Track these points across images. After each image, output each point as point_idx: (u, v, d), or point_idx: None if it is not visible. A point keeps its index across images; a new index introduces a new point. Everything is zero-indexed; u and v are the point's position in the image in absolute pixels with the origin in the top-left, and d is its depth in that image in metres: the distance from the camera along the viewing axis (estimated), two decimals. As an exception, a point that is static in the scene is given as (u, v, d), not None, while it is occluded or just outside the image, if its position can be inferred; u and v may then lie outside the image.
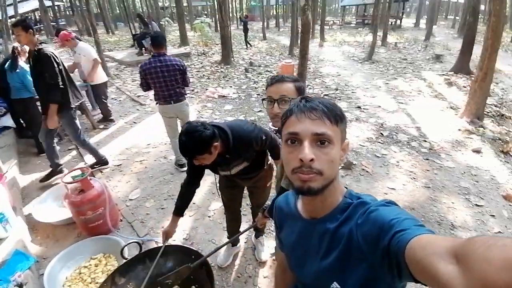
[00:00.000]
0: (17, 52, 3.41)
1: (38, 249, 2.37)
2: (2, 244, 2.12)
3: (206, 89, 6.62)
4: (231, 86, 6.92)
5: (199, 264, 1.59)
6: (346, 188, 0.77)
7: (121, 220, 2.69)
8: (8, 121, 3.93)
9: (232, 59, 9.58)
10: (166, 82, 2.99)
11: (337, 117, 0.68)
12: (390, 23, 18.52)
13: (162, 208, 2.82)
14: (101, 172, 3.47)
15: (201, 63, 9.43)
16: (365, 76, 8.34)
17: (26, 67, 3.34)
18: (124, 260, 1.79)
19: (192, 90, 6.61)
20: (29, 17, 19.86)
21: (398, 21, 22.28)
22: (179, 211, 1.76)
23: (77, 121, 3.11)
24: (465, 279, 0.38)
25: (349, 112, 5.34)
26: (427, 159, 3.78)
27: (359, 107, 5.64)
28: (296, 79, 1.31)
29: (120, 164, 3.62)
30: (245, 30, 13.18)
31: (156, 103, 3.20)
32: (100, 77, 4.54)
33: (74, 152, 3.93)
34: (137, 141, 4.20)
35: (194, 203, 2.84)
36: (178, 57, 3.33)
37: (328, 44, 14.86)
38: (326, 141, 0.65)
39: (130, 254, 1.97)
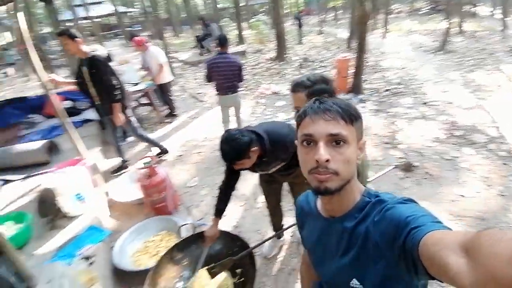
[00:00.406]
0: None
1: (113, 224, 2.81)
2: (78, 220, 2.55)
3: (260, 86, 6.80)
4: (283, 83, 6.96)
5: (244, 255, 1.72)
6: (365, 186, 0.78)
7: (180, 204, 3.01)
8: (91, 114, 4.65)
9: (286, 55, 9.58)
10: (226, 76, 3.56)
11: (352, 117, 0.69)
12: (465, 9, 16.14)
13: (214, 197, 3.06)
14: (165, 160, 3.90)
15: (255, 61, 9.67)
16: (436, 68, 7.49)
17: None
18: (181, 239, 2.04)
19: (246, 87, 6.85)
20: (106, 21, 22.23)
21: (473, 8, 19.25)
22: (219, 214, 1.86)
23: (133, 118, 3.53)
24: (473, 272, 0.39)
25: (414, 109, 4.91)
26: (505, 163, 3.28)
27: (425, 103, 5.14)
28: (313, 83, 1.26)
29: (181, 155, 4.01)
30: (300, 26, 13.01)
31: (216, 94, 3.77)
32: (165, 77, 5.06)
33: (142, 146, 4.49)
34: (195, 135, 4.58)
35: (243, 194, 3.00)
36: (235, 55, 3.75)
37: (393, 34, 13.69)
38: (341, 141, 0.66)
39: (185, 234, 2.21)
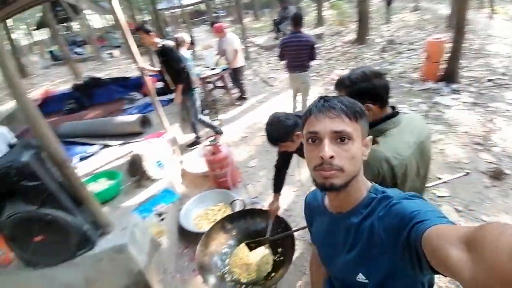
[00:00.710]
0: (178, 43, 4.46)
1: (183, 190, 3.27)
2: (157, 183, 3.04)
3: (332, 72, 6.50)
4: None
5: (280, 237, 1.84)
6: (372, 183, 0.77)
7: (239, 182, 3.27)
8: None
9: (368, 37, 8.77)
10: (296, 54, 3.66)
11: (356, 114, 0.69)
12: None
13: (270, 179, 3.22)
14: (231, 140, 4.23)
15: (332, 44, 9.18)
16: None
17: (187, 54, 4.36)
18: (232, 212, 2.27)
19: (318, 73, 6.65)
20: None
21: None
22: (278, 190, 2.02)
23: (198, 102, 3.88)
24: (474, 266, 0.39)
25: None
26: None
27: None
28: (354, 82, 1.10)
29: (246, 136, 4.28)
30: (388, 3, 11.54)
31: (286, 72, 3.95)
32: (239, 62, 5.34)
33: (215, 124, 4.92)
34: (261, 118, 4.77)
35: (299, 180, 3.06)
36: (308, 34, 3.84)
37: (501, 17, 10.93)
38: (346, 138, 0.66)
39: (237, 209, 2.44)
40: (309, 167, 0.71)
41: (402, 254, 0.58)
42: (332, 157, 0.65)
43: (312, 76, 6.75)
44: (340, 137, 0.66)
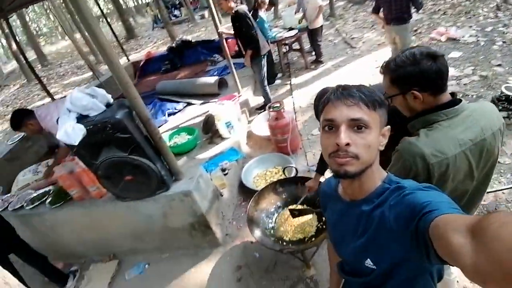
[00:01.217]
0: (257, 4, 4.42)
1: (247, 150, 3.56)
2: (226, 142, 3.38)
3: (434, 29, 5.44)
4: (471, 26, 5.21)
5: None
6: (388, 173, 0.76)
7: (300, 148, 3.36)
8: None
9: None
10: (391, 5, 3.43)
11: (375, 103, 0.67)
12: None
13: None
14: (300, 107, 4.23)
15: (443, -7, 7.48)
16: None
17: (265, 17, 4.33)
18: (286, 177, 2.42)
19: (415, 30, 5.66)
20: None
21: None
22: (320, 170, 1.98)
23: (265, 69, 3.89)
24: (476, 252, 0.39)
25: None
26: None
27: None
28: (399, 66, 0.97)
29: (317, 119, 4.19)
30: None
31: (382, 26, 3.81)
32: (318, 22, 5.00)
33: (285, 89, 4.93)
34: (334, 85, 4.53)
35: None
36: None
37: None
38: (363, 126, 0.66)
39: (291, 174, 2.57)
40: (324, 154, 0.72)
41: (410, 242, 0.59)
42: (348, 144, 0.65)
43: (411, 27, 5.80)
44: (357, 125, 0.66)
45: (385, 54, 4.86)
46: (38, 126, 2.53)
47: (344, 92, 0.69)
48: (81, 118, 1.75)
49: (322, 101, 0.74)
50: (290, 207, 1.99)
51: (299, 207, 2.04)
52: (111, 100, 1.85)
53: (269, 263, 2.20)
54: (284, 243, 1.98)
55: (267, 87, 4.13)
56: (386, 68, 1.03)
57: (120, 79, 1.72)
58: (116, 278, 2.50)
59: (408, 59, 0.96)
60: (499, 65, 3.82)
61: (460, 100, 1.00)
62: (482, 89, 3.39)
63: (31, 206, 2.44)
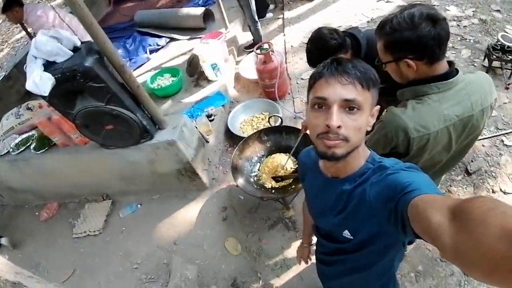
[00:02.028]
0: None
1: (234, 93, 3.45)
2: (212, 85, 3.24)
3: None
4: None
5: None
6: (371, 151, 0.75)
7: (288, 93, 3.27)
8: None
9: None
10: None
11: (369, 82, 0.64)
12: None
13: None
14: (292, 46, 3.96)
15: None
16: None
17: None
18: (269, 125, 2.41)
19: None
20: None
21: None
22: None
23: (253, 2, 3.46)
24: (456, 233, 0.39)
25: None
26: None
27: None
28: (394, 29, 0.88)
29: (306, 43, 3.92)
30: None
31: None
32: None
33: (276, 25, 4.52)
34: (331, 20, 4.17)
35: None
36: None
37: None
38: (356, 107, 0.63)
39: (276, 123, 2.57)
40: (311, 134, 0.70)
41: (388, 218, 0.61)
42: (339, 126, 0.63)
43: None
44: (350, 106, 0.63)
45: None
46: (21, 16, 2.91)
47: (339, 68, 0.64)
48: (48, 66, 1.60)
49: (312, 76, 0.69)
50: (273, 175, 2.04)
51: (285, 170, 2.09)
52: (78, 43, 1.67)
53: (252, 205, 2.37)
54: (266, 190, 2.11)
55: (258, 23, 3.75)
56: (381, 31, 0.93)
57: (84, 20, 1.52)
58: (111, 216, 2.68)
59: (405, 21, 0.86)
60: (498, 10, 3.53)
61: (457, 71, 0.94)
62: (480, 34, 3.20)
63: (16, 152, 2.43)
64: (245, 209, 2.38)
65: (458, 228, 0.39)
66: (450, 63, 0.95)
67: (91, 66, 1.58)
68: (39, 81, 1.50)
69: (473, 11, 3.57)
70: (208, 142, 2.64)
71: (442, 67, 0.93)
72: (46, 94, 1.54)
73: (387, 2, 4.13)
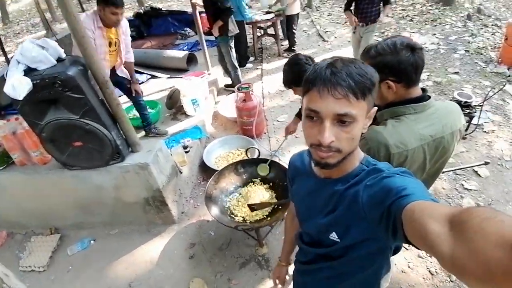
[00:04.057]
0: None
1: (212, 130, 3.48)
2: (190, 119, 3.27)
3: (400, 33, 5.75)
4: (434, 34, 5.62)
5: (281, 203, 1.95)
6: (365, 154, 0.77)
7: (264, 133, 3.37)
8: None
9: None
10: (362, 4, 3.43)
11: (365, 90, 0.62)
12: None
13: (296, 137, 3.24)
14: (268, 93, 4.22)
15: (412, 0, 7.91)
16: None
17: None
18: (246, 157, 2.41)
19: (383, 33, 5.95)
20: None
21: None
22: (300, 115, 2.04)
23: (233, 51, 3.78)
24: (455, 244, 0.38)
25: None
26: None
27: None
28: (378, 53, 0.98)
29: (283, 90, 4.22)
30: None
31: (352, 23, 3.67)
32: (295, 8, 4.98)
33: (255, 74, 4.88)
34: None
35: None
36: None
37: None
38: (349, 120, 0.62)
39: (252, 156, 2.58)
40: (306, 141, 0.70)
41: (379, 221, 0.59)
42: (331, 141, 0.63)
43: (374, 36, 6.08)
44: (342, 120, 0.62)
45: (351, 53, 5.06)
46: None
47: (333, 79, 0.61)
48: (29, 71, 1.54)
49: (306, 79, 0.66)
50: (249, 203, 1.99)
51: (259, 200, 2.06)
52: (63, 55, 1.64)
53: (223, 241, 2.21)
54: (240, 219, 2.01)
55: (238, 70, 4.02)
56: (367, 54, 1.03)
57: (75, 32, 1.53)
58: (57, 253, 2.32)
59: (388, 47, 0.97)
60: (456, 72, 4.19)
61: (429, 97, 1.05)
62: (433, 94, 3.70)
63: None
64: (216, 246, 2.21)
65: (456, 238, 0.39)
66: (423, 90, 1.07)
67: (73, 75, 1.54)
68: (18, 85, 1.42)
69: (427, 75, 4.17)
70: (182, 173, 2.54)
71: (417, 91, 1.04)
72: (21, 98, 1.45)
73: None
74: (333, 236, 0.75)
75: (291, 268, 1.12)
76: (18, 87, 1.46)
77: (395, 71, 0.98)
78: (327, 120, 0.62)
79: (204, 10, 3.70)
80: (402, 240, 0.53)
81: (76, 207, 2.29)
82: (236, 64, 3.96)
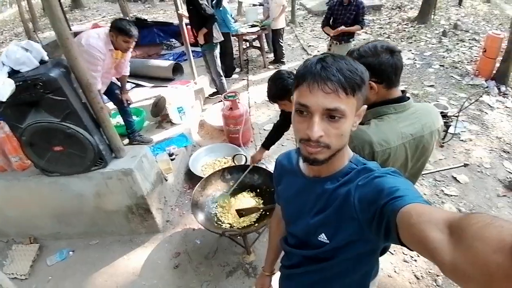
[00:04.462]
0: None
1: (198, 138, 3.46)
2: (176, 127, 3.24)
3: (379, 49, 6.03)
4: (410, 50, 5.94)
5: (268, 208, 1.95)
6: (354, 153, 0.77)
7: (251, 141, 3.38)
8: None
9: (433, 17, 7.86)
10: (338, 20, 3.49)
11: (355, 86, 0.62)
12: None
13: (282, 145, 3.27)
14: (254, 102, 4.27)
15: (389, 19, 8.37)
16: None
17: (228, 7, 4.27)
18: (233, 164, 2.40)
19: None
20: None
21: None
22: (266, 145, 2.13)
23: (218, 59, 3.86)
24: (455, 250, 0.39)
25: None
26: None
27: None
28: (361, 55, 1.02)
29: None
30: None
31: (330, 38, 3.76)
32: (280, 23, 5.14)
33: (241, 84, 4.93)
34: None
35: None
36: (366, 9, 3.53)
37: None
38: (338, 115, 0.62)
39: (239, 163, 2.57)
40: (295, 136, 0.69)
41: (370, 223, 0.59)
42: (320, 136, 0.62)
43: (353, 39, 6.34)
44: (332, 115, 0.62)
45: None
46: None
47: (323, 73, 0.61)
48: (12, 73, 1.49)
49: (297, 74, 0.67)
50: (237, 208, 1.97)
51: (246, 206, 2.05)
52: (46, 58, 1.60)
53: (209, 250, 2.15)
54: (227, 226, 1.97)
55: (223, 78, 4.06)
56: (349, 57, 1.08)
57: (60, 34, 1.50)
58: (37, 262, 2.20)
59: (370, 50, 1.02)
60: (432, 85, 4.41)
61: (409, 98, 1.10)
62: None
63: None
64: (201, 254, 2.14)
65: (456, 245, 0.39)
66: (403, 91, 1.12)
67: (55, 77, 1.50)
68: (1, 86, 1.37)
69: (405, 87, 4.37)
70: (167, 180, 2.48)
71: (397, 92, 1.09)
72: (4, 99, 1.39)
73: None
74: (322, 237, 0.73)
75: (275, 278, 1.08)
76: (1, 88, 1.41)
77: (376, 72, 1.02)
78: (316, 114, 0.61)
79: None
80: (395, 242, 0.53)
81: (54, 216, 2.18)
82: (221, 72, 4.01)
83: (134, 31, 2.36)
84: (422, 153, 1.14)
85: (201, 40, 3.65)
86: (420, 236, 0.45)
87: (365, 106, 0.71)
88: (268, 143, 2.13)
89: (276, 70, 1.67)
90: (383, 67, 1.01)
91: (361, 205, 0.63)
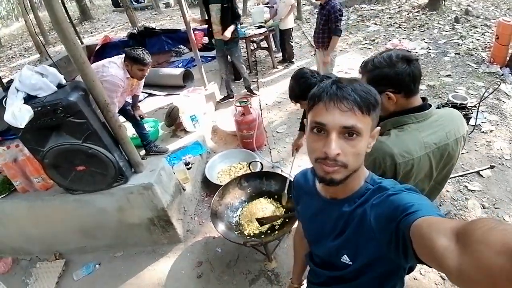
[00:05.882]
0: None
1: (212, 144, 3.48)
2: (190, 135, 3.28)
3: (389, 40, 5.89)
4: (423, 39, 5.75)
5: (289, 216, 1.94)
6: (370, 172, 0.76)
7: (265, 145, 3.38)
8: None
9: (444, 3, 7.58)
10: (317, 30, 3.45)
11: (370, 106, 0.63)
12: None
13: (298, 166, 3.25)
14: (266, 104, 4.26)
15: (398, 7, 8.14)
16: None
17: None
18: (249, 171, 2.41)
19: (373, 40, 6.08)
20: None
21: None
22: (304, 128, 2.09)
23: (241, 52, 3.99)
24: (461, 256, 0.39)
25: None
26: None
27: None
28: (376, 67, 1.01)
29: (280, 102, 4.26)
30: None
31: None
32: (289, 23, 5.09)
33: (252, 86, 4.93)
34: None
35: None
36: (340, 14, 3.23)
37: None
38: (355, 133, 0.62)
39: (256, 169, 2.58)
40: (310, 157, 0.68)
41: (389, 241, 0.59)
42: (338, 154, 0.62)
43: (365, 44, 6.23)
44: (348, 132, 0.63)
45: (344, 60, 5.17)
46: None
47: (338, 93, 0.63)
48: (29, 99, 1.54)
49: (312, 95, 0.68)
50: (257, 217, 1.97)
51: (268, 214, 2.05)
52: (64, 81, 1.66)
53: (231, 258, 2.17)
54: (248, 237, 1.98)
55: (245, 72, 4.23)
56: (364, 68, 1.05)
57: (76, 58, 1.55)
58: (63, 278, 2.28)
59: (385, 60, 1.00)
60: (449, 75, 4.26)
61: (430, 105, 1.06)
62: (428, 97, 3.74)
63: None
64: (223, 263, 2.17)
65: (462, 251, 0.39)
66: (424, 99, 1.09)
67: (75, 101, 1.55)
68: (18, 113, 1.42)
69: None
70: (185, 190, 2.52)
71: (417, 101, 1.06)
72: (22, 126, 1.45)
73: (345, 73, 4.78)
74: (345, 259, 0.74)
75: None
76: (19, 115, 1.46)
77: (393, 82, 1.00)
78: (333, 132, 0.62)
79: (197, 28, 3.82)
80: (414, 260, 0.53)
81: (80, 231, 2.26)
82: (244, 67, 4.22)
83: (148, 59, 2.43)
84: (448, 161, 1.11)
85: (228, 36, 3.70)
86: (428, 245, 0.46)
87: (378, 128, 0.71)
88: (304, 127, 2.15)
89: (299, 69, 1.63)
90: (400, 76, 0.99)
91: (378, 224, 0.63)
